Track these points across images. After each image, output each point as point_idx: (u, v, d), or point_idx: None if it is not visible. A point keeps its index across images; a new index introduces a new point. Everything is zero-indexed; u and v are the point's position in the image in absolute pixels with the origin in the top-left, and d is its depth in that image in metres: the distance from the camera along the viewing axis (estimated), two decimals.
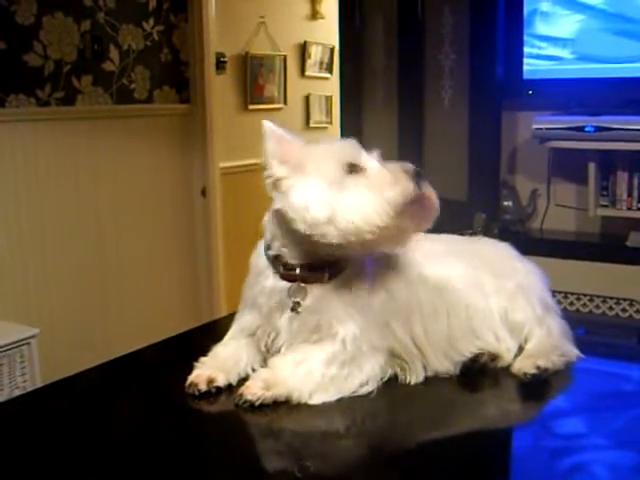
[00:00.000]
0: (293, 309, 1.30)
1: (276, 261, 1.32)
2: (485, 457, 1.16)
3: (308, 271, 1.29)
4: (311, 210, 1.22)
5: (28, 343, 2.77)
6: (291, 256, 1.30)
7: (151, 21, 3.72)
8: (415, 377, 1.34)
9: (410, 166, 1.23)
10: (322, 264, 1.29)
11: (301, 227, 1.23)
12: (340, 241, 1.21)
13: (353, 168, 1.24)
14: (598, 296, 3.15)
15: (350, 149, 1.27)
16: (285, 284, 1.30)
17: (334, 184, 1.22)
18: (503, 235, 3.16)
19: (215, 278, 4.08)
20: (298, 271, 1.30)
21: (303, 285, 1.29)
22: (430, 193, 1.23)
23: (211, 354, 1.36)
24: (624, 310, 3.09)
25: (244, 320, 1.38)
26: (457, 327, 1.38)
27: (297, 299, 1.29)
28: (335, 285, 1.29)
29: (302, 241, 1.26)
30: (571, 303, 3.17)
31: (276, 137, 1.28)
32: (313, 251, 1.27)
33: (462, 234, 1.63)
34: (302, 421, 1.25)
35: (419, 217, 1.25)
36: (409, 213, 1.21)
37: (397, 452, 1.18)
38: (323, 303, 1.29)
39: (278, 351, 1.32)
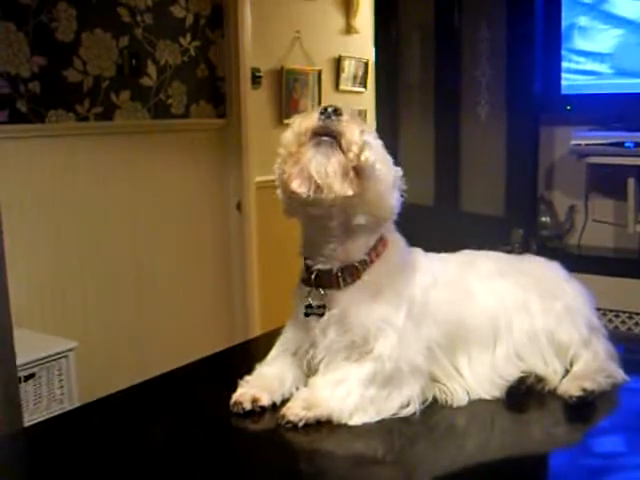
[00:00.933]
0: (307, 314, 1.31)
1: (304, 266, 1.34)
2: (524, 475, 1.15)
3: (323, 275, 1.30)
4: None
5: (66, 356, 2.80)
6: (307, 254, 1.33)
7: (188, 37, 3.76)
8: (457, 401, 1.33)
9: (330, 105, 1.23)
10: (335, 269, 1.30)
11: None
12: (284, 199, 1.28)
13: None
14: (637, 313, 3.10)
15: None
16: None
17: None
18: (541, 251, 3.13)
19: (250, 292, 4.09)
20: (313, 275, 1.31)
21: (322, 290, 1.30)
22: (346, 128, 1.21)
23: (256, 373, 1.36)
24: None
25: (287, 334, 1.39)
26: (503, 353, 1.37)
27: (311, 302, 1.31)
28: (363, 296, 1.29)
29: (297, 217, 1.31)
30: (610, 320, 3.12)
31: None
32: (307, 227, 1.31)
33: (502, 250, 1.62)
34: (342, 443, 1.24)
35: (336, 151, 1.21)
36: (323, 146, 1.21)
37: (436, 476, 1.17)
38: (352, 312, 1.29)
39: (317, 366, 1.32)
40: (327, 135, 1.21)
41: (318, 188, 1.19)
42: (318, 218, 1.26)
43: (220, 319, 4.04)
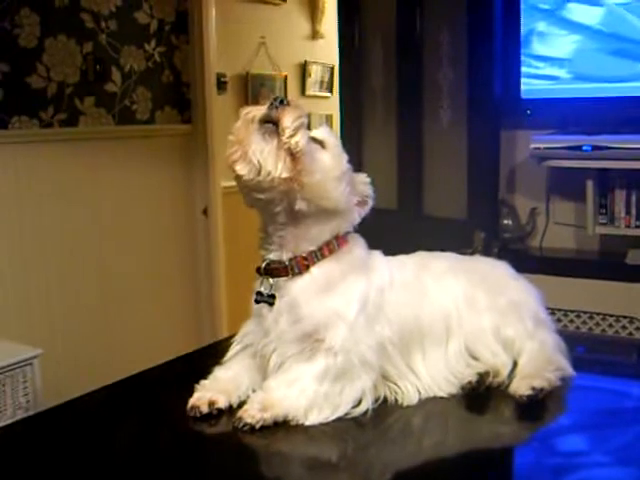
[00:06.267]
0: (257, 300, 1.34)
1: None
2: (486, 476, 1.17)
3: (273, 264, 1.34)
4: None
5: (31, 363, 2.78)
6: (262, 244, 1.36)
7: (152, 42, 3.76)
8: (408, 400, 1.35)
9: (280, 96, 1.29)
10: (284, 259, 1.33)
11: None
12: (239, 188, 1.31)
13: None
14: (597, 314, 3.15)
15: None
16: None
17: None
18: (503, 253, 3.17)
19: (216, 297, 4.10)
20: (264, 264, 1.35)
21: (271, 280, 1.33)
22: (283, 114, 1.26)
23: (212, 377, 1.38)
24: (624, 327, 3.10)
25: (244, 328, 1.42)
26: (455, 350, 1.40)
27: (261, 290, 1.34)
28: (312, 288, 1.32)
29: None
30: (571, 321, 3.18)
31: None
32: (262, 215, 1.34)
33: (463, 253, 1.65)
34: (297, 446, 1.25)
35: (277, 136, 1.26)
36: (265, 133, 1.25)
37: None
38: (302, 303, 1.31)
39: (270, 357, 1.33)
40: (270, 122, 1.27)
41: (257, 170, 1.25)
42: (265, 204, 1.30)
43: (187, 324, 4.04)
